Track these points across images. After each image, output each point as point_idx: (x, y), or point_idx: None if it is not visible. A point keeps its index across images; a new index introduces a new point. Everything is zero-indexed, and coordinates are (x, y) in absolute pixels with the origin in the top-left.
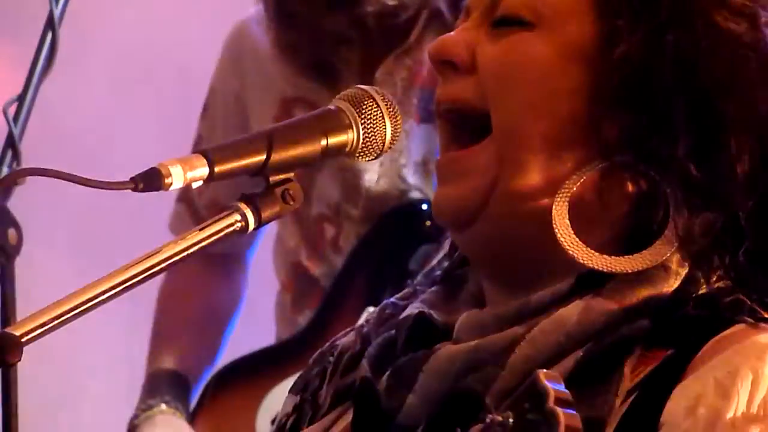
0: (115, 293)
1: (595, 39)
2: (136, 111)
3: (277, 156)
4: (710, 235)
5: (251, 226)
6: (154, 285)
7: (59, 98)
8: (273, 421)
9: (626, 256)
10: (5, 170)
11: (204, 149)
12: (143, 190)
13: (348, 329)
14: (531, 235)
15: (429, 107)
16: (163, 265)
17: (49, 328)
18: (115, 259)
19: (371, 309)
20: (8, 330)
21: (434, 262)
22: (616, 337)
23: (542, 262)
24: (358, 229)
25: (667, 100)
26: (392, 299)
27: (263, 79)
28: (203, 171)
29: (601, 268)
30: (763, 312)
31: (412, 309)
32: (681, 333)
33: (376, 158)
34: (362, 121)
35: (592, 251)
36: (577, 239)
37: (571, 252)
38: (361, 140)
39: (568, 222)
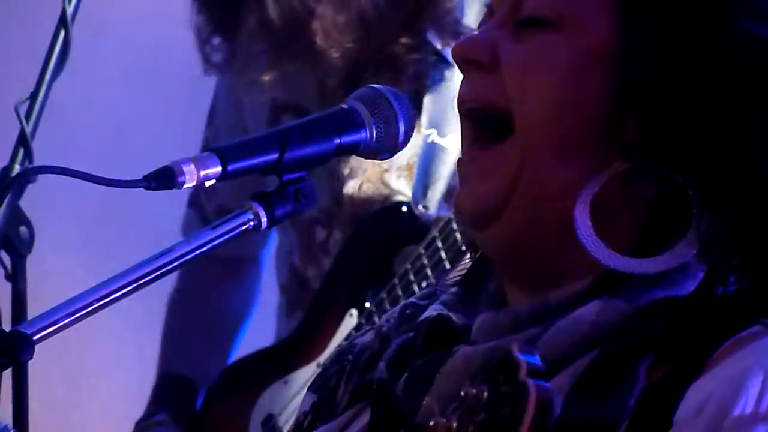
0: (127, 292)
1: (619, 40)
2: (148, 110)
3: (291, 154)
4: (731, 237)
5: (264, 224)
6: (168, 283)
7: (71, 97)
8: (264, 422)
9: (648, 258)
10: (17, 168)
11: (217, 147)
12: (156, 189)
13: (367, 328)
14: (551, 236)
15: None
16: (175, 263)
17: (61, 326)
18: (127, 257)
19: (354, 312)
20: (20, 328)
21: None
22: (631, 338)
23: (562, 261)
24: (346, 232)
25: (691, 102)
26: (413, 299)
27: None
28: (216, 169)
29: (623, 269)
30: None
31: (432, 311)
32: (698, 335)
33: (389, 157)
34: (375, 120)
35: (615, 253)
36: (600, 241)
37: (593, 254)
38: (374, 139)
39: (590, 223)
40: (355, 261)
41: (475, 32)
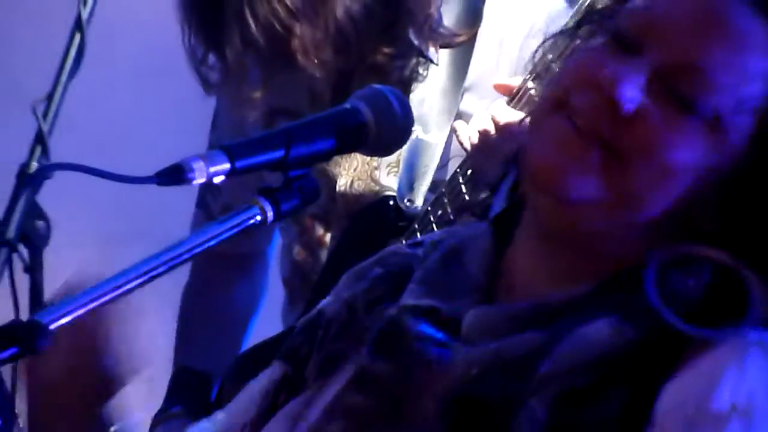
0: (139, 283)
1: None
2: (159, 109)
3: (296, 152)
4: None
5: (270, 218)
6: (183, 274)
7: (86, 96)
8: None
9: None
10: (35, 165)
11: (225, 145)
12: (168, 184)
13: (332, 298)
14: (605, 245)
15: None
16: (185, 256)
17: (79, 314)
18: (139, 251)
19: None
20: (37, 317)
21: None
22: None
23: (586, 261)
24: (341, 227)
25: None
26: (379, 269)
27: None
28: (224, 166)
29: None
30: None
31: (415, 297)
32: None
33: (389, 154)
34: (376, 119)
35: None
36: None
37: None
38: (375, 137)
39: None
40: (348, 254)
41: (628, 70)
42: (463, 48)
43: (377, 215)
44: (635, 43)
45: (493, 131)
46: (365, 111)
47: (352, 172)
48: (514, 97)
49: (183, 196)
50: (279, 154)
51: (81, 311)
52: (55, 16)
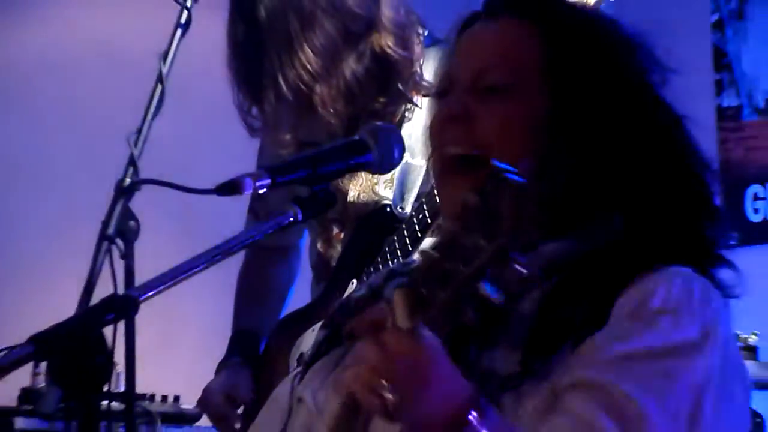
0: (207, 265)
1: (550, 103)
2: (219, 142)
3: (320, 171)
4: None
5: (300, 219)
6: (238, 260)
7: (165, 131)
8: (297, 359)
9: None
10: (128, 180)
11: (268, 166)
12: (226, 195)
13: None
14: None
15: None
16: (240, 246)
17: (159, 290)
18: (205, 244)
19: (354, 281)
20: (129, 292)
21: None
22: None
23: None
24: (351, 227)
25: (600, 137)
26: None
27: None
28: (267, 181)
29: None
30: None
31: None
32: (625, 266)
33: (387, 172)
34: (378, 147)
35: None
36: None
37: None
38: (377, 160)
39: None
40: (355, 248)
41: (451, 97)
42: None
43: (377, 218)
44: (450, 78)
45: None
46: (370, 142)
47: (359, 187)
48: None
49: (238, 204)
50: (307, 172)
51: (161, 288)
52: (145, 71)
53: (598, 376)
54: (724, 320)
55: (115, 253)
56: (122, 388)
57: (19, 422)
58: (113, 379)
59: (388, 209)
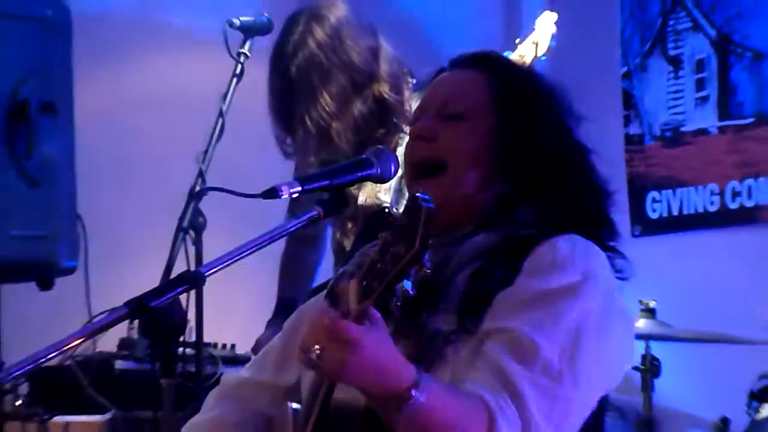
0: (256, 249)
1: (498, 127)
2: (265, 159)
3: (337, 180)
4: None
5: (322, 216)
6: (279, 246)
7: (225, 153)
8: None
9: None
10: (197, 188)
11: (298, 177)
12: (268, 198)
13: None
14: (460, 209)
15: None
16: (280, 235)
17: (221, 267)
18: (257, 233)
19: None
20: (199, 269)
21: None
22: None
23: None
24: (360, 223)
25: (532, 158)
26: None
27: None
28: (298, 188)
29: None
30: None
31: None
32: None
33: (386, 182)
34: (379, 163)
35: None
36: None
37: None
38: (379, 173)
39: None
40: (364, 238)
41: (421, 121)
42: None
43: (379, 217)
44: (423, 109)
45: None
46: (374, 159)
47: (366, 193)
48: None
49: (278, 206)
50: (327, 182)
51: (223, 266)
52: (209, 108)
53: (504, 324)
54: (604, 269)
55: (188, 241)
56: (193, 339)
57: (119, 363)
58: (186, 332)
59: (387, 210)
